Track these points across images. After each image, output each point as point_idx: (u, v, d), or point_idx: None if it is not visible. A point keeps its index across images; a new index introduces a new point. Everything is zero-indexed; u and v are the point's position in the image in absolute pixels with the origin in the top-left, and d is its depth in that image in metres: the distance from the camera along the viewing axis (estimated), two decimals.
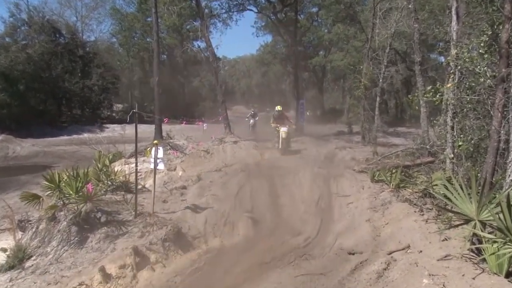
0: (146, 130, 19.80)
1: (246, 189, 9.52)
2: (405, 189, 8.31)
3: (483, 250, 4.73)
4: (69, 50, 32.50)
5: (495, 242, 4.59)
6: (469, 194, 5.23)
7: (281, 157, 13.51)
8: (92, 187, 7.23)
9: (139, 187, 9.12)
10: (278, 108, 15.21)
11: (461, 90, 7.08)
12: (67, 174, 7.38)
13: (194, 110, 37.63)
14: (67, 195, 7.06)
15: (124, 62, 40.89)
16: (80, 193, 6.98)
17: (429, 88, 8.20)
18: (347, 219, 7.86)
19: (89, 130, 28.66)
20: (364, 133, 18.89)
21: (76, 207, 6.77)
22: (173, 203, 8.54)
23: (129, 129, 15.57)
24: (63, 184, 7.19)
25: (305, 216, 8.33)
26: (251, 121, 21.95)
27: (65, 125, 30.63)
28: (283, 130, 14.10)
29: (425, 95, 8.41)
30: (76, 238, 6.46)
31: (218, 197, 8.86)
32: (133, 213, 7.27)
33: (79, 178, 7.21)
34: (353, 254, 6.28)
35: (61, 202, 6.99)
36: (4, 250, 6.45)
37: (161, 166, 7.90)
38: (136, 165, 7.75)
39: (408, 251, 5.68)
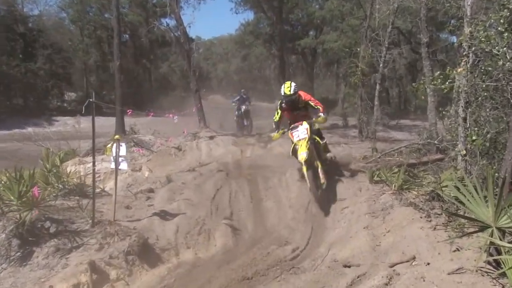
0: (105, 123, 19.61)
1: (225, 192, 9.48)
2: (409, 191, 8.33)
3: (502, 262, 4.73)
4: (5, 25, 31.65)
5: None
6: (485, 196, 5.25)
7: (265, 155, 13.50)
8: (39, 191, 7.06)
9: (97, 190, 9.02)
10: (286, 88, 8.95)
11: (476, 76, 7.12)
12: (7, 176, 7.21)
13: (162, 100, 37.46)
14: (7, 202, 6.89)
15: (77, 42, 40.23)
16: (24, 199, 6.81)
17: (437, 73, 8.25)
18: (342, 226, 7.86)
19: (35, 124, 28.18)
20: (361, 126, 19.04)
21: (18, 216, 6.60)
22: (138, 209, 8.45)
23: (84, 123, 15.37)
24: (1, 188, 7.03)
25: (293, 223, 8.32)
26: (242, 107, 21.06)
27: (3, 117, 29.95)
28: (299, 138, 8.68)
29: (433, 82, 8.46)
30: (18, 253, 6.31)
31: (191, 201, 8.81)
32: (90, 221, 7.16)
33: (22, 181, 7.05)
34: (349, 267, 6.27)
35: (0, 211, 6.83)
36: None
37: (123, 166, 7.79)
38: (94, 165, 7.63)
39: (413, 264, 5.70)
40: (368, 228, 7.23)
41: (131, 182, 11.24)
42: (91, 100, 7.13)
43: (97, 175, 9.31)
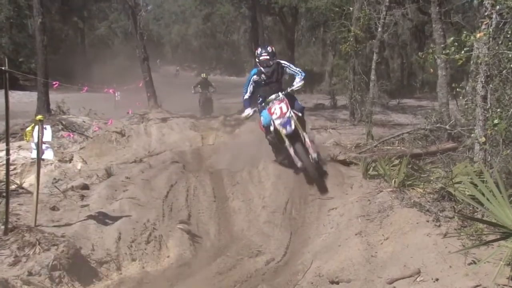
0: (23, 99, 19.26)
1: (180, 189, 9.43)
2: (413, 189, 8.40)
3: None
4: None
5: None
6: (509, 195, 5.29)
7: (232, 143, 13.49)
8: None
9: (13, 187, 8.84)
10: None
11: (500, 42, 7.13)
12: None
13: (100, 71, 36.82)
14: None
15: None
16: None
17: (451, 39, 8.26)
18: (329, 232, 7.89)
19: None
20: (353, 107, 19.17)
21: None
22: (68, 211, 8.29)
23: None
24: None
25: (268, 228, 8.32)
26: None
27: None
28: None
29: (444, 51, 8.48)
30: None
31: (138, 201, 8.72)
32: (2, 227, 6.98)
33: None
34: (337, 283, 6.30)
35: None
36: None
37: (48, 155, 7.65)
38: (8, 154, 7.42)
39: (418, 279, 5.73)
40: (362, 234, 7.26)
41: (58, 176, 11.12)
42: (3, 68, 6.94)
43: (12, 167, 9.15)
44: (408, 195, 8.12)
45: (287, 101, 9.44)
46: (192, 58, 64.90)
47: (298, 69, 9.91)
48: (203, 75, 15.28)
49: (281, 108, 9.37)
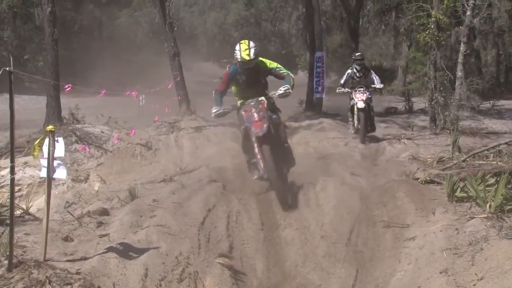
0: (30, 105, 19.72)
1: (220, 214, 9.47)
2: None
3: None
4: None
5: None
6: None
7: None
8: None
9: (18, 212, 9.02)
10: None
11: None
12: None
13: (121, 70, 37.43)
14: None
15: None
16: None
17: None
18: (406, 270, 7.81)
19: None
20: (435, 111, 18.98)
21: None
22: (83, 242, 8.40)
23: None
24: None
25: (328, 264, 8.29)
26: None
27: None
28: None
29: None
30: None
31: (168, 229, 8.76)
32: (6, 262, 7.08)
33: None
34: None
35: None
36: None
37: (61, 174, 7.75)
38: (13, 173, 7.61)
39: None
40: (448, 273, 7.18)
41: (72, 199, 11.26)
42: (7, 69, 7.08)
43: (17, 188, 9.30)
44: (508, 223, 7.98)
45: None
46: (232, 53, 64.99)
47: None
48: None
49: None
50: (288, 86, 10.42)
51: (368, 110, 17.22)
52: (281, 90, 10.41)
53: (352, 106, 17.57)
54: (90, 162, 13.89)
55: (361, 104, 16.94)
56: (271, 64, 10.73)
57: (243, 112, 10.35)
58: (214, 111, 10.47)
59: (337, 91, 18.21)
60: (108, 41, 42.66)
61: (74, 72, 23.19)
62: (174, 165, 13.35)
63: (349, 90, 17.66)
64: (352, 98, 17.53)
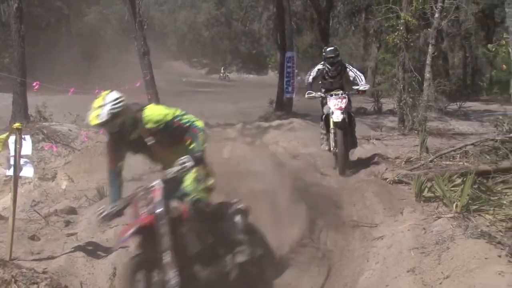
0: None
1: None
2: (480, 215, 8.33)
3: None
4: None
5: None
6: None
7: (254, 156, 13.48)
8: None
9: None
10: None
11: None
12: None
13: (89, 68, 37.17)
14: None
15: None
16: None
17: None
18: (374, 269, 7.82)
19: None
20: (403, 112, 19.11)
21: None
22: (50, 241, 8.35)
23: None
24: None
25: (296, 262, 8.28)
26: None
27: None
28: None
29: None
30: None
31: None
32: None
33: None
34: None
35: None
36: None
37: (27, 172, 7.73)
38: None
39: None
40: (415, 271, 7.19)
41: (38, 198, 11.18)
42: None
43: None
44: (474, 222, 8.03)
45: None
46: (203, 52, 65.15)
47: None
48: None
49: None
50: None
51: (348, 122, 12.79)
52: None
53: (326, 117, 12.91)
54: (58, 161, 13.81)
55: (338, 116, 12.42)
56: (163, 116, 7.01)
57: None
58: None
59: (306, 96, 13.14)
60: (76, 38, 42.29)
61: (41, 69, 22.97)
62: (143, 164, 13.25)
63: (321, 95, 13.05)
64: (326, 105, 12.92)
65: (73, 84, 19.07)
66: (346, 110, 12.64)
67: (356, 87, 12.83)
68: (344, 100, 12.64)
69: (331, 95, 12.75)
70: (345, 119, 12.47)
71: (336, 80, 13.24)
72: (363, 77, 13.07)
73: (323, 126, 13.34)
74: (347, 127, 12.66)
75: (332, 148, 12.66)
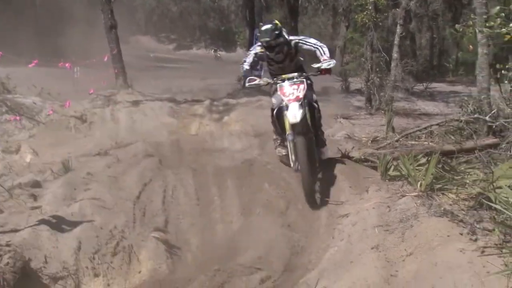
0: None
1: (156, 189, 9.45)
2: (443, 194, 8.40)
3: None
4: None
5: None
6: None
7: (220, 133, 13.49)
8: None
9: None
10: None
11: None
12: None
13: (55, 41, 36.68)
14: None
15: None
16: None
17: (496, 9, 8.26)
18: (339, 246, 7.85)
19: None
20: (370, 92, 19.22)
21: None
22: (14, 214, 8.28)
23: None
24: None
25: (263, 239, 8.29)
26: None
27: None
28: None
29: (487, 23, 8.50)
30: None
31: (103, 203, 8.70)
32: None
33: None
34: None
35: None
36: None
37: None
38: None
39: None
40: (379, 248, 7.23)
41: (2, 171, 11.19)
42: None
43: None
44: (437, 201, 8.09)
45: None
46: (171, 28, 64.68)
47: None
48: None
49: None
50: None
51: (311, 117, 9.53)
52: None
53: (279, 112, 9.43)
54: (22, 134, 13.68)
55: (295, 114, 8.86)
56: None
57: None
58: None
59: (246, 84, 9.48)
60: (41, 10, 41.67)
61: (4, 41, 22.61)
62: (109, 139, 13.22)
63: (269, 81, 9.48)
64: (276, 93, 9.42)
65: (38, 57, 18.86)
66: (306, 100, 9.29)
67: (317, 65, 9.33)
68: (301, 86, 9.14)
69: (283, 80, 9.25)
70: (305, 117, 9.12)
71: (286, 64, 9.80)
72: (326, 49, 9.62)
73: (275, 130, 10.25)
74: (309, 130, 9.40)
75: (292, 164, 9.31)
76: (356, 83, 23.57)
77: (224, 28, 60.44)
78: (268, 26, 9.11)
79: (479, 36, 11.21)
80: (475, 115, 10.78)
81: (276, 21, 9.39)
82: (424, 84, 26.19)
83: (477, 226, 6.94)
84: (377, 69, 18.82)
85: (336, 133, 14.05)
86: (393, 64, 17.77)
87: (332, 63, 9.20)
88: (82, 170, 10.33)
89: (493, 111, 10.37)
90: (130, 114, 15.69)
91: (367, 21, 18.48)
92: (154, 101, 17.07)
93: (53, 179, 10.03)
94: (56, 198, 8.94)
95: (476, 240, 6.60)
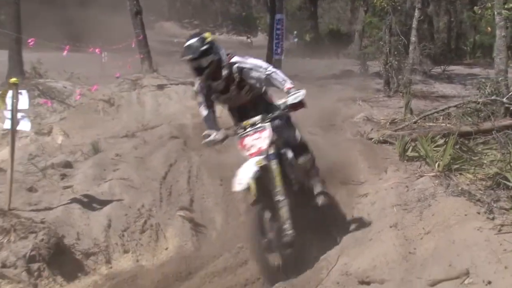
0: None
1: (181, 169, 9.55)
2: (461, 174, 8.41)
3: None
4: None
5: None
6: None
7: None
8: None
9: None
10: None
11: None
12: None
13: (84, 27, 36.74)
14: None
15: None
16: None
17: None
18: (359, 224, 7.96)
19: None
20: (389, 75, 19.05)
21: None
22: (47, 193, 8.38)
23: None
24: None
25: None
26: None
27: None
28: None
29: (506, 5, 8.47)
30: None
31: (131, 182, 8.83)
32: None
33: None
34: (368, 283, 6.29)
35: None
36: None
37: (25, 126, 7.70)
38: None
39: (466, 282, 5.73)
40: (398, 227, 7.26)
41: (35, 152, 11.18)
42: None
43: None
44: (455, 181, 8.11)
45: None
46: (193, 14, 64.43)
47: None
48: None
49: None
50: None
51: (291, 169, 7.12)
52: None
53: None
54: (53, 116, 13.74)
55: (241, 178, 6.45)
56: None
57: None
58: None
59: (203, 142, 6.91)
60: None
61: (36, 26, 22.64)
62: (135, 122, 13.25)
63: (227, 134, 6.92)
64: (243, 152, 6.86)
65: (66, 42, 18.91)
66: (279, 148, 6.88)
67: (282, 101, 6.81)
68: (264, 134, 6.61)
69: (244, 129, 6.80)
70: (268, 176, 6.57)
71: (233, 95, 7.16)
72: (282, 74, 7.01)
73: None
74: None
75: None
76: (375, 66, 23.36)
77: (245, 14, 60.20)
78: (192, 41, 6.70)
79: (497, 18, 11.13)
80: (493, 97, 10.72)
81: (207, 34, 6.82)
82: (442, 66, 25.87)
83: (494, 205, 6.94)
84: (395, 53, 18.65)
85: (355, 115, 13.99)
86: (411, 47, 17.62)
87: (300, 94, 6.57)
88: (110, 151, 10.46)
89: (510, 93, 10.31)
90: (156, 98, 15.71)
91: (385, 5, 18.34)
92: (178, 85, 17.05)
93: (84, 160, 10.12)
94: (86, 178, 9.05)
95: (493, 218, 6.59)
